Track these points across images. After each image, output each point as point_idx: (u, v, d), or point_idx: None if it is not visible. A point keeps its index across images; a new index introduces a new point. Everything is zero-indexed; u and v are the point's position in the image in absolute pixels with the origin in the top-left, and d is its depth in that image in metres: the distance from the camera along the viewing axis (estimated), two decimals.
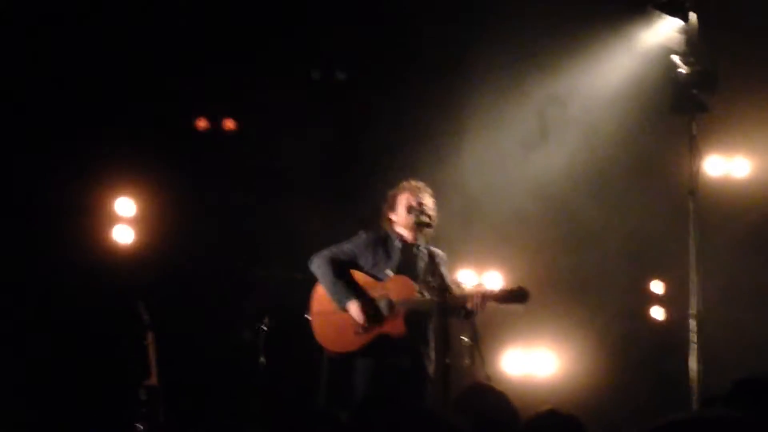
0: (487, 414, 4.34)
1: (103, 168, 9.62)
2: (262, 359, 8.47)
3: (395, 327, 7.39)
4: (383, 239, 7.69)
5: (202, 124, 10.22)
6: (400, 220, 7.65)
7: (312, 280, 7.67)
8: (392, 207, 7.70)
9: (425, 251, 7.50)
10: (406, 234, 7.65)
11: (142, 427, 8.27)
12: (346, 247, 7.67)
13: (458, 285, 7.81)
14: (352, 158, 10.22)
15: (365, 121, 10.27)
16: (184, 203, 9.89)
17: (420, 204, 7.52)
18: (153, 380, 8.42)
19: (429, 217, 7.51)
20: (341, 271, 7.56)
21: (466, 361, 7.79)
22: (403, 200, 7.62)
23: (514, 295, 7.34)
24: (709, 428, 2.22)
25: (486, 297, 7.32)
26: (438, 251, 7.57)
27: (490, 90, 10.10)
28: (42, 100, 9.38)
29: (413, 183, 7.69)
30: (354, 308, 7.41)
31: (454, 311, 7.22)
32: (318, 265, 7.60)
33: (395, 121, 10.29)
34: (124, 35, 9.51)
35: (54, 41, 9.35)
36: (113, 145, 9.53)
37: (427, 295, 7.35)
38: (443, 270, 7.42)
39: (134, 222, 9.78)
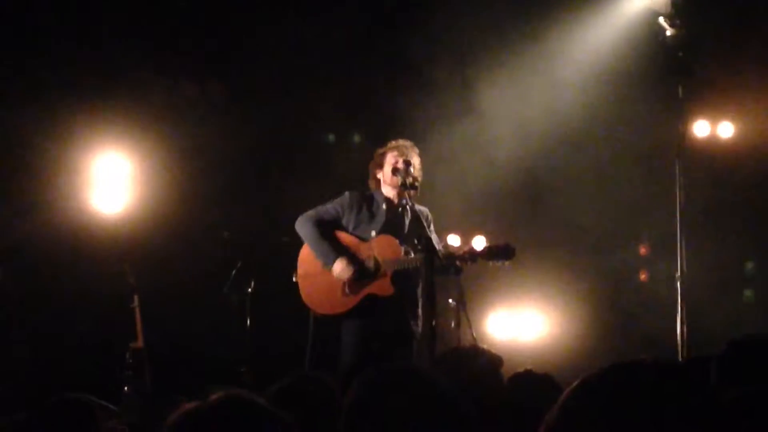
0: (471, 373, 4.36)
1: (90, 126, 9.55)
2: (248, 322, 8.49)
3: (383, 287, 7.38)
4: (368, 199, 7.66)
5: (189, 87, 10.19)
6: (386, 179, 7.63)
7: (299, 243, 7.67)
8: (379, 165, 7.68)
9: (411, 210, 7.50)
10: (392, 194, 7.64)
11: (128, 390, 8.28)
12: (330, 207, 7.65)
13: (446, 246, 7.81)
14: (341, 123, 10.19)
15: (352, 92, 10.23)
16: (171, 165, 9.85)
17: (407, 163, 7.51)
18: (139, 343, 8.42)
19: (414, 178, 7.50)
20: (326, 231, 7.55)
21: (452, 324, 7.81)
22: (390, 159, 7.60)
23: (500, 251, 7.36)
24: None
25: (473, 253, 7.35)
26: (423, 209, 7.55)
27: (478, 57, 10.06)
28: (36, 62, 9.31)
29: (401, 141, 7.66)
30: (340, 266, 7.40)
31: (442, 269, 7.24)
32: (303, 225, 7.60)
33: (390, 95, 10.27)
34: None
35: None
36: (109, 105, 9.46)
37: (413, 254, 7.35)
38: (431, 228, 7.42)
39: (121, 183, 9.72)
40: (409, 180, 7.42)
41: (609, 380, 2.24)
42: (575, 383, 2.30)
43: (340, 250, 7.47)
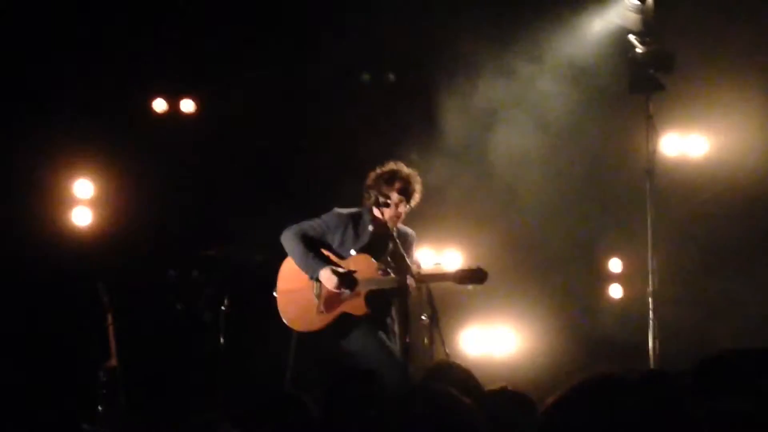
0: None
1: (60, 149, 9.54)
2: (222, 341, 8.49)
3: (356, 307, 7.39)
4: (356, 218, 7.60)
5: (159, 105, 10.15)
6: (385, 216, 7.46)
7: (274, 260, 7.67)
8: (385, 196, 7.44)
9: (396, 232, 7.40)
10: (383, 217, 7.49)
11: (102, 409, 8.27)
12: (317, 223, 7.59)
13: (418, 265, 7.80)
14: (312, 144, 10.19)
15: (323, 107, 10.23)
16: (143, 184, 9.83)
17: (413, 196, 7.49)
18: (113, 362, 8.42)
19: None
20: (311, 244, 7.50)
21: (425, 341, 7.84)
22: (395, 198, 7.41)
23: (472, 276, 7.39)
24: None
25: (445, 277, 7.37)
26: (408, 231, 7.56)
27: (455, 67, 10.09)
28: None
29: (404, 171, 7.51)
30: (327, 275, 7.33)
31: (413, 291, 7.27)
32: (288, 238, 7.52)
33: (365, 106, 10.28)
34: (78, 12, 9.43)
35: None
36: (70, 126, 9.45)
37: (389, 273, 7.34)
38: (410, 251, 7.44)
39: (93, 203, 9.71)
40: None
41: (583, 398, 2.26)
42: (549, 402, 2.32)
43: (326, 261, 7.42)
